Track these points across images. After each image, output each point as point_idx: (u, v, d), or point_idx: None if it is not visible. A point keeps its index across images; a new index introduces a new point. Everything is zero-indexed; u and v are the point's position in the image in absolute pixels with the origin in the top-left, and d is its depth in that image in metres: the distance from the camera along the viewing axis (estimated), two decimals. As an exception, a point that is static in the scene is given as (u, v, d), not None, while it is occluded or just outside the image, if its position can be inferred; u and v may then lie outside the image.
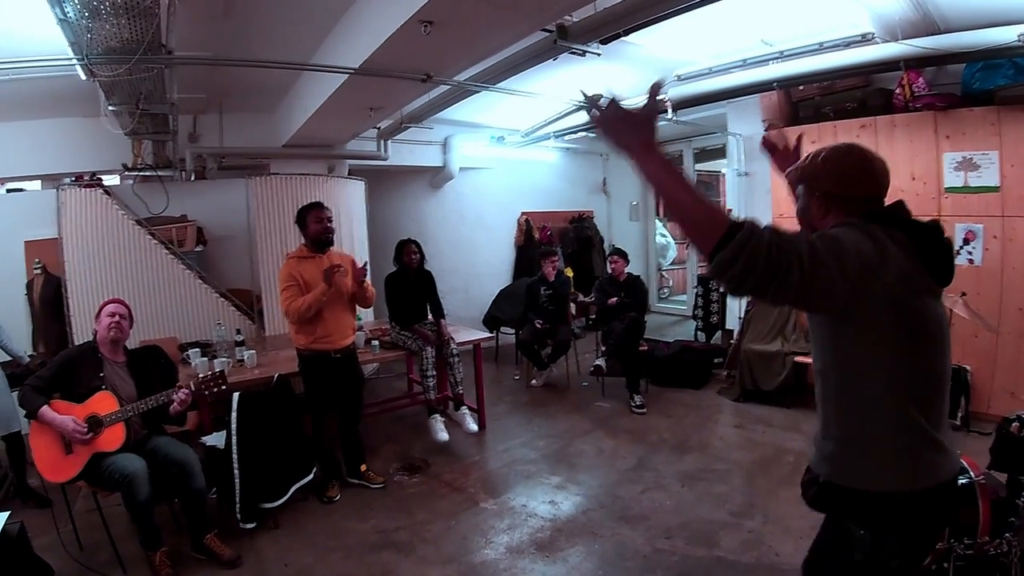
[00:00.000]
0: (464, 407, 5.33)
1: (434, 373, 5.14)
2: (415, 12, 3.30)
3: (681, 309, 10.12)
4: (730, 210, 7.66)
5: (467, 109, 6.95)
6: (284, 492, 4.24)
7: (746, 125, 7.21)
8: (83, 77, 3.98)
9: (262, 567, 3.66)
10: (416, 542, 3.81)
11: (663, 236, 10.66)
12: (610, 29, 3.82)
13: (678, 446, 5.07)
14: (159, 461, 3.65)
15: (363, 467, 4.71)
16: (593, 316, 6.88)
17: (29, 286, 6.34)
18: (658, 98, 1.46)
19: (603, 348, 6.48)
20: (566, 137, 8.14)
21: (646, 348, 6.51)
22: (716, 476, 4.48)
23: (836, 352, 1.63)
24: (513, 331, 7.61)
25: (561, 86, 6.16)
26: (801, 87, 6.18)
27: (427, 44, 3.69)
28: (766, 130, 6.69)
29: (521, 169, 9.35)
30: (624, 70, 5.96)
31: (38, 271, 6.24)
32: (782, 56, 5.44)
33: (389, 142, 7.53)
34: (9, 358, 4.96)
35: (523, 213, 9.54)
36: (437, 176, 8.93)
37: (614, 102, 1.44)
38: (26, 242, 6.50)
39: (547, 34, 3.96)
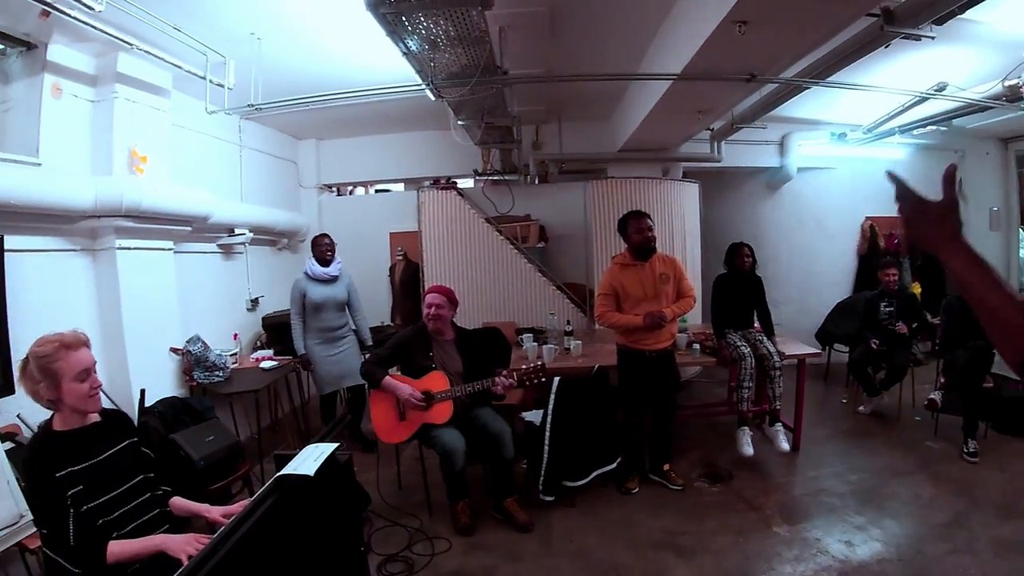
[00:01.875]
0: (779, 424, 5.02)
1: (751, 384, 4.95)
2: (727, 13, 3.27)
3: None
4: None
5: (803, 105, 6.57)
6: (586, 475, 4.51)
7: None
8: (432, 98, 4.63)
9: (549, 538, 4.00)
10: (698, 550, 3.76)
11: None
12: (943, 7, 3.33)
13: (1004, 508, 4.20)
14: (478, 428, 4.22)
15: (666, 466, 4.74)
16: (938, 341, 5.96)
17: (392, 269, 7.86)
18: (958, 186, 1.28)
19: (942, 380, 5.64)
20: (914, 132, 7.14)
21: (992, 385, 5.48)
22: (1039, 552, 3.64)
23: None
24: (847, 349, 6.87)
25: (900, 76, 5.50)
26: None
27: (744, 44, 3.60)
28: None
29: (865, 169, 8.30)
30: (966, 53, 5.13)
31: (400, 257, 7.69)
32: None
33: (723, 143, 7.37)
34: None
35: (867, 218, 8.55)
36: (774, 177, 8.51)
37: (911, 194, 1.32)
38: (391, 233, 8.09)
39: (874, 19, 3.57)
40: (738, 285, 5.35)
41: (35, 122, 4.03)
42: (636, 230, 4.54)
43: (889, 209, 5.93)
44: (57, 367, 2.16)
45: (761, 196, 8.78)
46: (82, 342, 2.26)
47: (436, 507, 4.41)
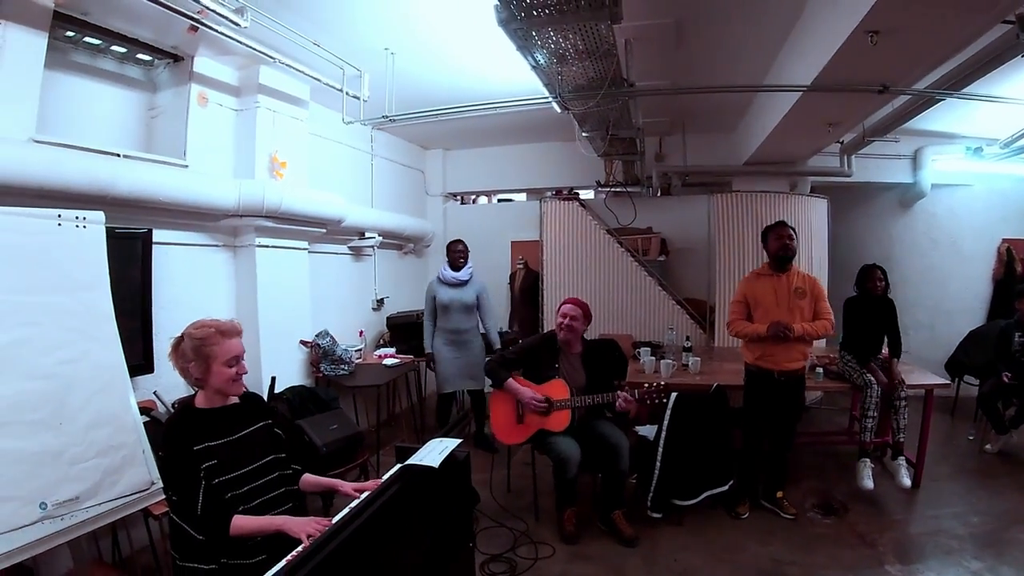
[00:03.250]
0: (902, 458, 4.75)
1: (875, 414, 4.70)
2: (859, 23, 3.23)
3: None
4: None
5: (937, 118, 6.26)
6: (696, 494, 4.43)
7: None
8: (558, 110, 4.73)
9: (653, 554, 3.97)
10: (805, 583, 3.63)
11: None
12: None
13: None
14: (595, 438, 4.24)
15: (779, 493, 4.59)
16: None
17: (512, 277, 8.05)
18: None
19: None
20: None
21: None
22: None
23: None
24: (977, 382, 6.44)
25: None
26: None
27: (877, 54, 3.51)
28: None
29: (1003, 186, 7.79)
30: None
31: (521, 266, 7.86)
32: None
33: (853, 157, 7.05)
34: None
35: (1004, 240, 7.92)
36: (907, 194, 8.05)
37: None
38: (512, 242, 8.31)
39: (1009, 27, 3.37)
40: (869, 309, 5.07)
41: (182, 128, 4.42)
42: (775, 237, 4.43)
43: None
44: (210, 351, 2.34)
45: (893, 214, 8.32)
46: (236, 331, 2.45)
47: (543, 513, 4.49)
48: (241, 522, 2.25)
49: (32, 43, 3.30)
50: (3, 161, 3.09)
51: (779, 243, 4.40)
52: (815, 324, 4.38)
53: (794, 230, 4.52)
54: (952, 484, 5.11)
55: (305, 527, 2.18)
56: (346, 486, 2.53)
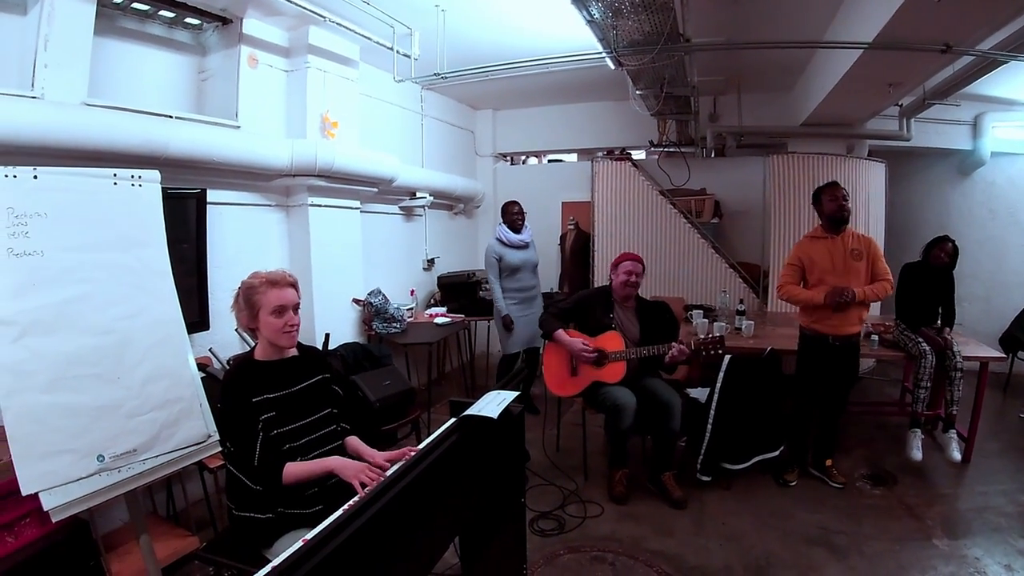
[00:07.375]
0: (953, 431, 4.65)
1: (929, 385, 4.58)
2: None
3: None
4: None
5: (1000, 83, 6.04)
6: (746, 459, 4.43)
7: None
8: (612, 67, 4.65)
9: (701, 517, 3.98)
10: (852, 552, 3.58)
11: None
12: None
13: None
14: (647, 396, 4.20)
15: (829, 462, 4.52)
16: None
17: (563, 238, 7.97)
18: None
19: None
20: None
21: None
22: None
23: None
24: (1032, 358, 6.23)
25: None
26: None
27: (941, 11, 3.40)
28: None
29: None
30: None
31: (571, 227, 7.77)
32: None
33: (912, 121, 6.76)
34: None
35: None
36: (965, 161, 7.73)
37: None
38: (563, 203, 8.25)
39: None
40: (927, 278, 4.91)
41: (233, 90, 4.45)
42: (830, 198, 4.28)
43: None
44: (257, 299, 2.38)
45: (951, 181, 8.00)
46: (288, 282, 2.46)
47: (592, 473, 4.53)
48: (293, 469, 2.29)
49: (81, 10, 3.37)
50: (57, 124, 3.17)
51: (835, 204, 4.25)
52: (875, 286, 4.23)
53: (846, 192, 4.36)
54: (1002, 461, 4.99)
55: (358, 474, 2.20)
56: (377, 457, 2.44)
